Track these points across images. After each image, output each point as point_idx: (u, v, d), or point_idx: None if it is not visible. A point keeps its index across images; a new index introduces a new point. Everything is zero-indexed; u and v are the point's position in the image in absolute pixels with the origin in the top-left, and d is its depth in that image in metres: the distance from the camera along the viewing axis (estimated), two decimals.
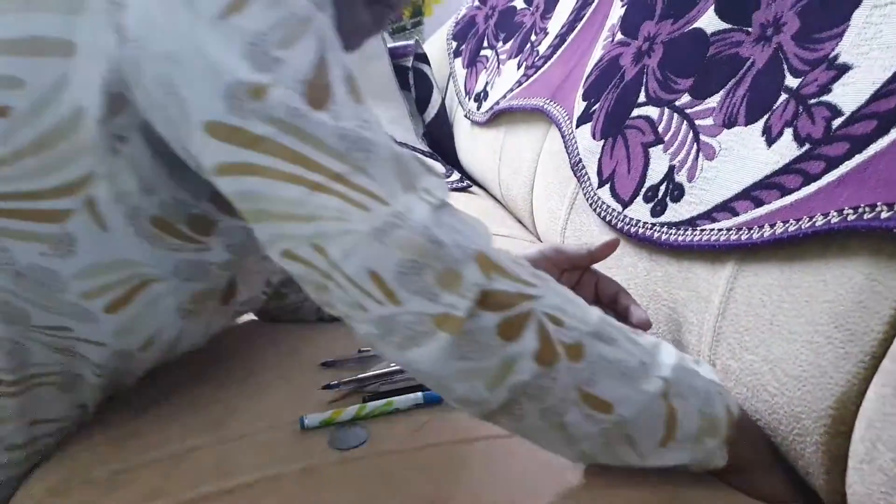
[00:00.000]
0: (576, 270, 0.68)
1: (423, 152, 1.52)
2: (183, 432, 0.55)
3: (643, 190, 0.76)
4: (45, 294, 0.48)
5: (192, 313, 0.55)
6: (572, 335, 0.43)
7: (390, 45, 1.64)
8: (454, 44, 1.65)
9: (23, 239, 0.46)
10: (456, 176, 1.46)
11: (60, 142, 0.43)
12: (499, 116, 1.30)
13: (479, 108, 1.40)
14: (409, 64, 1.63)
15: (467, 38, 1.59)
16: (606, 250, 0.67)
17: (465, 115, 1.47)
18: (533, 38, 1.28)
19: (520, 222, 1.24)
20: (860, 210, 0.48)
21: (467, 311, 0.40)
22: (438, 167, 0.44)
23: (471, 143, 1.46)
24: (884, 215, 0.46)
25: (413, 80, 1.63)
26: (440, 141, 1.60)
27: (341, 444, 0.53)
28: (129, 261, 0.49)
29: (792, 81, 0.60)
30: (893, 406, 0.42)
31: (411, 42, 1.66)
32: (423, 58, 1.64)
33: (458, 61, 1.60)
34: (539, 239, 1.12)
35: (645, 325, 0.65)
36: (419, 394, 0.58)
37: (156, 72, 0.40)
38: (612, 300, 0.67)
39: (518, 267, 0.44)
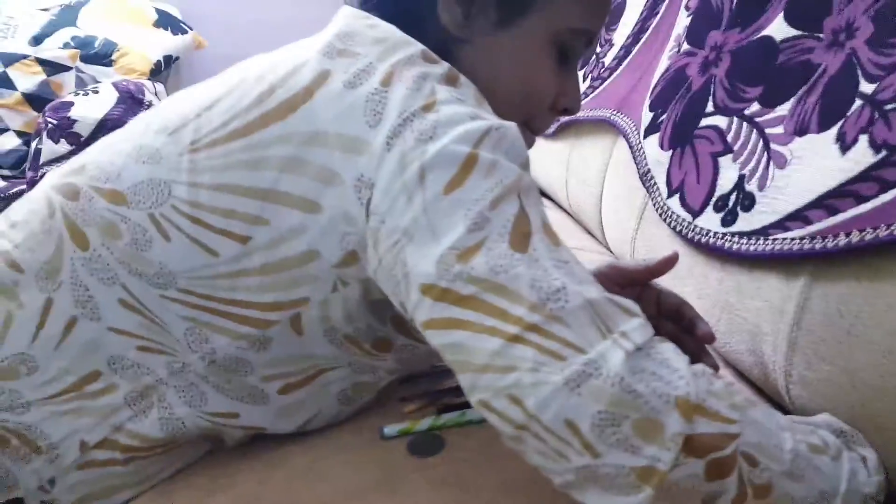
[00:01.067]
0: (636, 286, 0.68)
1: None
2: (277, 440, 0.59)
3: (713, 199, 0.75)
4: (229, 377, 0.55)
5: (350, 400, 0.60)
6: (765, 476, 0.42)
7: None
8: None
9: (226, 335, 0.53)
10: None
11: (287, 270, 0.50)
12: (566, 128, 1.31)
13: None
14: None
15: None
16: (666, 266, 0.67)
17: None
18: (598, 49, 1.29)
19: (590, 234, 1.24)
20: None
21: (672, 463, 0.39)
22: (634, 306, 0.44)
23: (538, 154, 1.47)
24: None
25: None
26: None
27: (419, 451, 0.56)
28: (315, 356, 0.55)
29: (867, 87, 0.59)
30: None
31: None
32: None
33: None
34: (609, 250, 1.12)
35: (709, 339, 0.64)
36: None
37: (391, 241, 0.46)
38: (676, 313, 0.67)
39: (718, 401, 0.42)
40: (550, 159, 1.38)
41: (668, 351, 0.43)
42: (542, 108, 0.61)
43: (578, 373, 0.39)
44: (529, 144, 0.62)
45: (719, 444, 0.40)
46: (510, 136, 0.48)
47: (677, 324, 0.68)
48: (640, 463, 0.39)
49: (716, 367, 0.65)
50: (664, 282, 0.76)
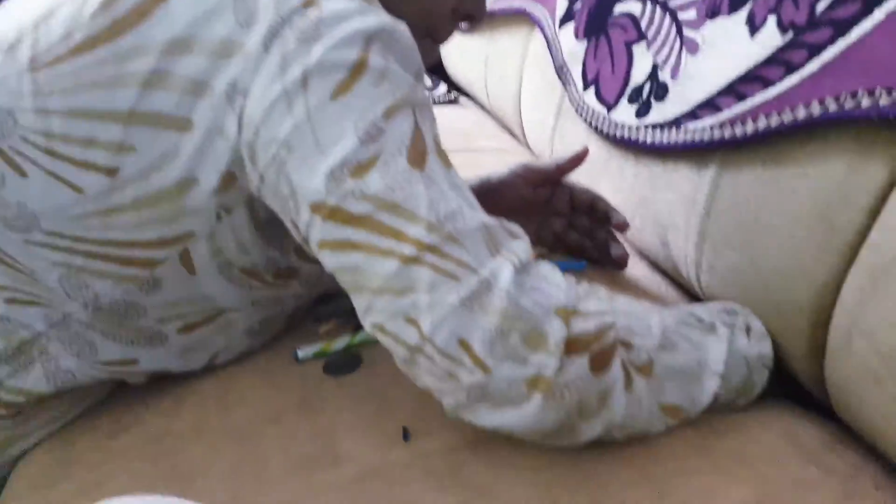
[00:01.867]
0: (549, 185, 0.69)
1: None
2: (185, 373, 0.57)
3: (627, 91, 0.74)
4: (119, 322, 0.50)
5: (259, 334, 0.57)
6: (643, 356, 0.43)
7: None
8: None
9: (108, 279, 0.48)
10: (443, 88, 1.42)
11: (163, 204, 0.45)
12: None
13: None
14: None
15: None
16: (575, 162, 0.68)
17: None
18: None
19: (510, 133, 1.22)
20: (842, 99, 0.47)
21: (556, 366, 0.39)
22: (520, 230, 0.43)
23: (456, 51, 1.41)
24: (864, 103, 0.45)
25: None
26: None
27: (336, 371, 0.55)
28: (213, 297, 0.51)
29: None
30: (870, 296, 0.43)
31: None
32: None
33: None
34: (530, 150, 1.10)
35: (623, 227, 0.66)
36: None
37: (269, 155, 0.42)
38: (589, 207, 0.69)
39: (589, 300, 0.43)
40: (468, 56, 1.33)
41: (546, 268, 0.43)
42: (443, 16, 0.56)
43: (473, 291, 0.39)
44: (433, 57, 0.59)
45: (597, 336, 0.41)
46: (403, 40, 0.44)
47: (592, 217, 0.69)
48: (529, 372, 0.39)
49: (625, 255, 0.67)
50: (582, 179, 0.75)
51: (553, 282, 0.42)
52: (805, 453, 0.44)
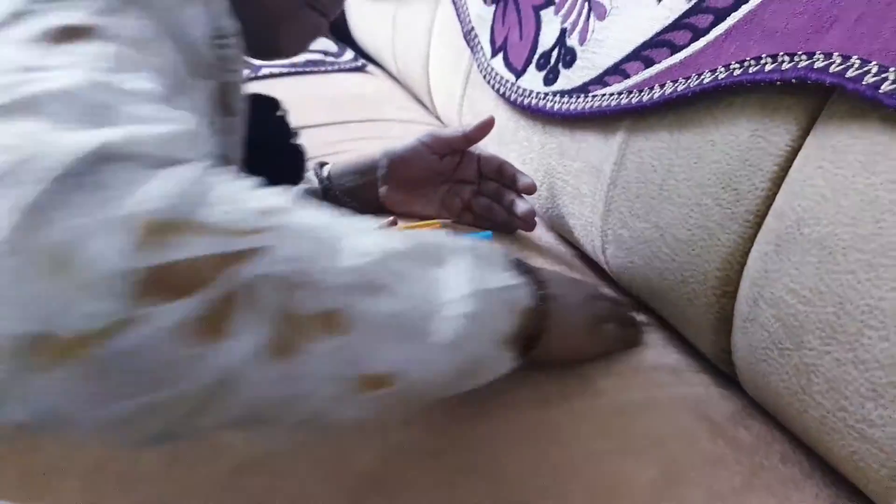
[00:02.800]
0: (456, 154, 0.68)
1: None
2: None
3: (535, 57, 0.71)
4: None
5: None
6: (324, 299, 0.28)
7: None
8: None
9: None
10: (349, 55, 1.36)
11: None
12: None
13: None
14: None
15: None
16: (481, 131, 0.67)
17: None
18: None
19: (419, 101, 1.18)
20: (746, 63, 0.46)
21: (108, 322, 0.23)
22: None
23: (363, 15, 1.36)
24: (768, 67, 0.43)
25: None
26: None
27: None
28: None
29: None
30: (775, 263, 0.42)
31: None
32: None
33: None
34: (440, 121, 1.07)
35: (531, 189, 0.66)
36: None
37: None
38: (496, 172, 0.68)
39: (225, 207, 0.26)
40: (376, 21, 1.27)
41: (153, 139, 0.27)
42: None
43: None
44: (318, 31, 0.55)
45: (213, 269, 0.25)
46: None
47: (500, 182, 0.69)
48: (34, 328, 0.23)
49: (532, 211, 0.66)
50: (491, 149, 0.73)
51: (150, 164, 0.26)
52: (715, 428, 0.43)
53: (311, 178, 0.71)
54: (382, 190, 0.69)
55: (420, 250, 0.33)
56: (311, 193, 0.69)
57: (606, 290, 0.55)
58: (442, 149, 0.67)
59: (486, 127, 0.67)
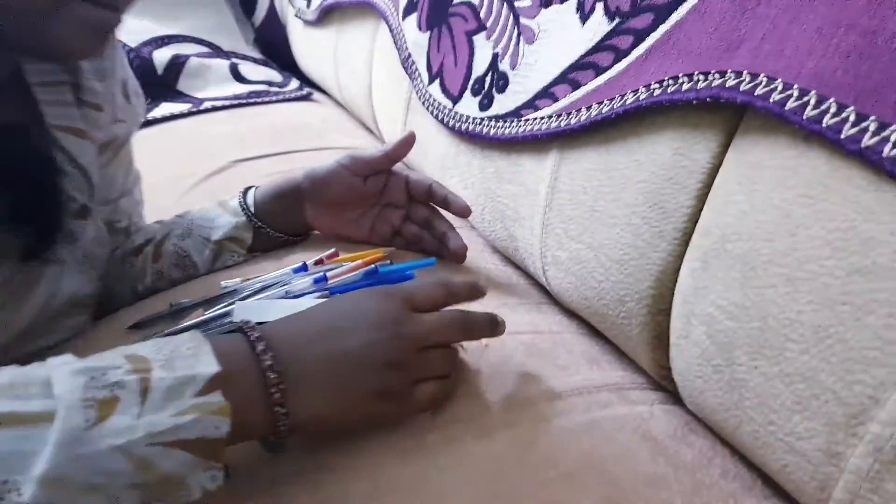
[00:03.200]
0: (381, 175, 0.66)
1: (254, 59, 1.40)
2: None
3: (470, 83, 0.72)
4: None
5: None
6: None
7: None
8: None
9: None
10: (294, 84, 1.36)
11: None
12: (329, 14, 1.20)
13: (308, 6, 1.29)
14: None
15: None
16: (403, 148, 0.64)
17: (296, 15, 1.35)
18: None
19: (366, 128, 1.18)
20: (665, 83, 0.46)
21: None
22: None
23: (306, 45, 1.35)
24: (685, 87, 0.44)
25: None
26: (274, 45, 1.48)
27: None
28: None
29: None
30: (703, 280, 0.42)
31: None
32: None
33: None
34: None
35: (465, 212, 0.64)
36: (233, 302, 0.53)
37: None
38: (427, 194, 0.66)
39: None
40: (319, 49, 1.27)
41: None
42: None
43: None
44: (102, 26, 0.47)
45: None
46: None
47: (430, 204, 0.67)
48: None
49: (463, 247, 0.64)
50: (435, 175, 0.72)
51: None
52: (657, 447, 0.43)
53: (234, 207, 0.68)
54: (309, 212, 0.67)
55: (10, 410, 0.30)
56: (236, 226, 0.67)
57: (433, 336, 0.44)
58: (362, 170, 0.64)
59: (405, 144, 0.64)
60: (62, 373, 0.31)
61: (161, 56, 1.26)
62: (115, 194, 0.66)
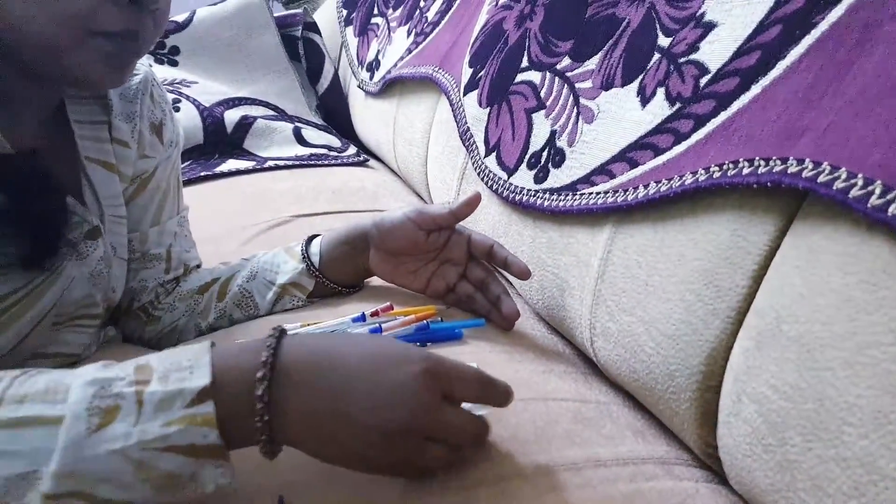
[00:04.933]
0: (443, 231, 0.68)
1: (316, 125, 1.47)
2: None
3: (527, 157, 0.74)
4: None
5: None
6: None
7: (277, 14, 1.57)
8: (344, 12, 1.60)
9: None
10: (352, 150, 1.42)
11: None
12: (391, 86, 1.26)
13: (371, 78, 1.36)
14: (299, 33, 1.56)
15: (357, 5, 1.54)
16: (468, 208, 0.67)
17: (359, 86, 1.42)
18: (422, 3, 1.25)
19: (418, 195, 1.21)
20: (725, 167, 0.48)
21: None
22: None
23: (366, 114, 1.42)
24: (745, 171, 0.46)
25: (303, 50, 1.57)
26: (335, 113, 1.55)
27: None
28: None
29: (664, 41, 0.60)
30: (756, 359, 0.43)
31: (300, 11, 1.59)
32: (312, 27, 1.58)
33: (350, 30, 1.55)
34: None
35: (525, 275, 0.66)
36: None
37: None
38: (488, 254, 0.68)
39: None
40: (378, 119, 1.33)
41: None
42: (87, 15, 0.47)
43: None
44: (121, 58, 0.50)
45: None
46: None
47: (491, 264, 0.69)
48: None
49: (516, 313, 0.66)
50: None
51: None
52: None
53: (299, 255, 0.71)
54: (373, 258, 0.70)
55: (34, 416, 0.35)
56: (300, 272, 0.70)
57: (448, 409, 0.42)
58: (427, 225, 0.67)
59: (471, 203, 0.67)
60: (78, 383, 0.37)
61: (231, 116, 1.33)
62: (145, 224, 0.70)
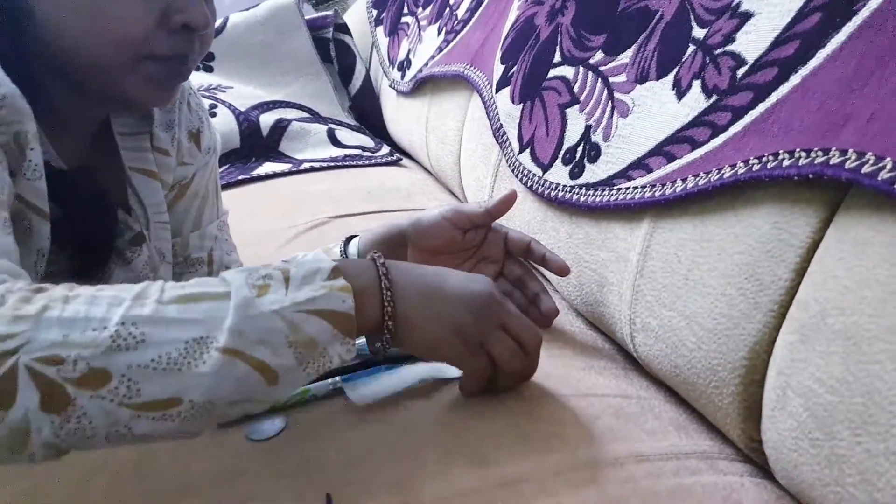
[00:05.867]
0: (480, 229, 0.69)
1: (349, 126, 1.48)
2: None
3: (562, 152, 0.74)
4: None
5: None
6: (80, 367, 0.38)
7: (308, 16, 1.59)
8: (374, 12, 1.61)
9: None
10: (385, 149, 1.43)
11: None
12: (423, 85, 1.27)
13: (403, 78, 1.37)
14: (330, 35, 1.58)
15: (387, 5, 1.54)
16: (504, 206, 0.68)
17: (391, 86, 1.43)
18: (451, 1, 1.25)
19: (451, 193, 1.22)
20: (764, 159, 0.48)
21: None
22: None
23: (398, 113, 1.43)
24: (785, 163, 0.45)
25: (335, 51, 1.58)
26: (367, 113, 1.56)
27: (258, 434, 0.51)
28: None
29: (699, 32, 0.60)
30: (801, 353, 0.42)
31: (330, 13, 1.60)
32: (343, 28, 1.59)
33: (380, 30, 1.56)
34: None
35: (564, 271, 0.66)
36: (336, 378, 0.56)
37: None
38: (525, 252, 0.68)
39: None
40: (410, 118, 1.34)
41: None
42: (146, 31, 0.51)
43: None
44: (170, 78, 0.55)
45: None
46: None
47: (529, 261, 0.70)
48: None
49: (555, 310, 0.66)
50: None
51: None
52: None
53: (334, 255, 0.72)
54: (410, 256, 0.71)
55: (201, 293, 0.42)
56: None
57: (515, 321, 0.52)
58: (463, 223, 0.68)
59: (507, 202, 0.67)
60: (228, 273, 0.44)
61: (266, 119, 1.35)
62: (186, 229, 0.72)
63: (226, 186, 1.18)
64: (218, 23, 1.50)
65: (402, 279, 0.48)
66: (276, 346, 0.41)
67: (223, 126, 1.31)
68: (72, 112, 0.56)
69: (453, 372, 0.56)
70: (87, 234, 0.57)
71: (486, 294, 0.50)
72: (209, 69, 1.47)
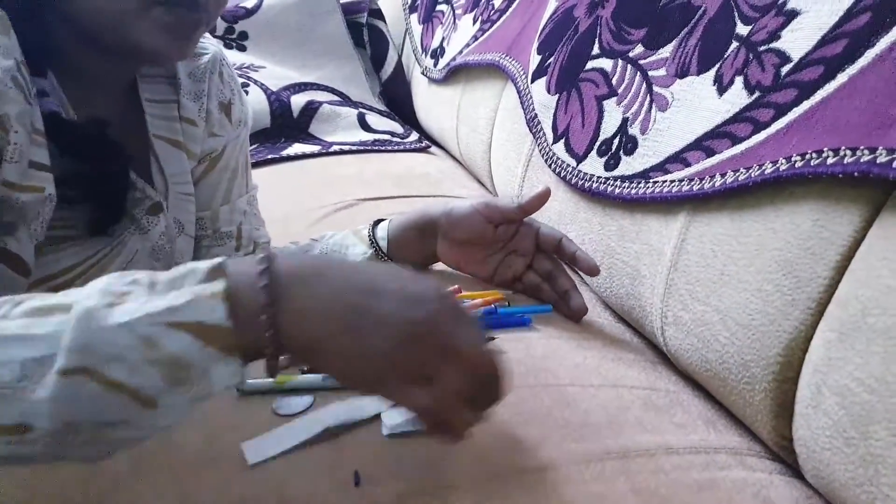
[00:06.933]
0: (511, 224, 0.69)
1: (379, 111, 1.49)
2: None
3: (597, 144, 0.74)
4: None
5: None
6: None
7: (343, 0, 1.59)
8: None
9: None
10: (414, 136, 1.43)
11: None
12: (456, 73, 1.27)
13: (435, 65, 1.37)
14: (364, 20, 1.58)
15: None
16: (537, 202, 0.68)
17: (423, 73, 1.43)
18: None
19: (479, 182, 1.22)
20: (807, 156, 0.47)
21: None
22: None
23: (429, 101, 1.43)
24: (830, 161, 0.45)
25: (368, 36, 1.59)
26: (398, 99, 1.56)
27: (285, 410, 0.52)
28: None
29: (742, 29, 0.59)
30: (839, 351, 0.42)
31: None
32: (377, 13, 1.59)
33: (414, 17, 1.56)
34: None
35: (594, 271, 0.66)
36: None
37: None
38: (556, 249, 0.68)
39: None
40: (441, 105, 1.34)
41: None
42: None
43: None
44: (183, 27, 0.53)
45: None
46: None
47: (558, 258, 0.69)
48: None
49: (583, 308, 0.66)
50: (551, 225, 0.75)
51: None
52: None
53: (366, 238, 0.73)
54: (440, 246, 0.71)
55: (54, 302, 0.36)
56: (368, 256, 0.72)
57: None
58: (496, 218, 0.68)
59: (541, 198, 0.68)
60: (99, 280, 0.37)
61: (297, 101, 1.36)
62: (216, 202, 0.72)
63: (255, 165, 1.19)
64: (253, 2, 1.51)
65: (305, 291, 0.37)
66: (132, 363, 0.34)
67: (255, 105, 1.32)
68: (92, 69, 0.56)
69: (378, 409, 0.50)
70: (96, 186, 0.57)
71: (424, 320, 0.38)
72: (242, 48, 1.48)
